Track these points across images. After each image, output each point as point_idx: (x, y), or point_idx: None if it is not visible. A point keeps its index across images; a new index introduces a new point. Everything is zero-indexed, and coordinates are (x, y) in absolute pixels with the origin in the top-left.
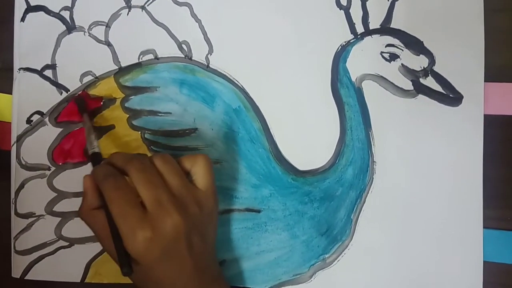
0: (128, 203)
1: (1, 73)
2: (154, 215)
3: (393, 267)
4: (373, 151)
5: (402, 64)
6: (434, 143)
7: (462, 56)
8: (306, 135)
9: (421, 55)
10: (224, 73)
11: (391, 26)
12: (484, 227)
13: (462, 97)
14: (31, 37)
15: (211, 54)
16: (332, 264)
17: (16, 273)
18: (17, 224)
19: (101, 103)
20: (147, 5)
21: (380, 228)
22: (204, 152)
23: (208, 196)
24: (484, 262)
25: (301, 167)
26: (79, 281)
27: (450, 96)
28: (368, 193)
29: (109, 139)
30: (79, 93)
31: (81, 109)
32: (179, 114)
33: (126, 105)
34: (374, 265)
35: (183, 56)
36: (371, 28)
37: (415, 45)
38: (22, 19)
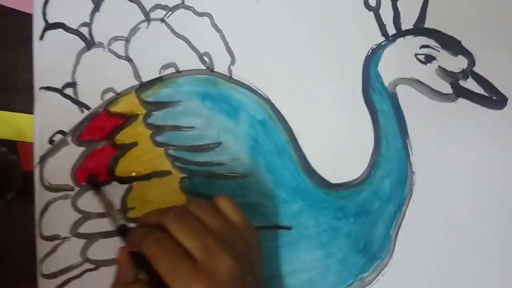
0: (175, 257)
1: (23, 93)
2: (205, 264)
3: (436, 285)
4: (412, 161)
5: (439, 66)
6: (479, 149)
7: (504, 54)
8: (337, 146)
9: (459, 55)
10: (248, 84)
11: (425, 26)
12: None
13: (506, 99)
14: (51, 55)
15: (233, 65)
16: (371, 284)
17: None
18: (42, 247)
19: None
20: (167, 17)
21: (422, 244)
22: (229, 167)
23: (249, 231)
24: None
25: (333, 180)
26: None
27: (493, 99)
28: (407, 206)
29: (132, 157)
30: (91, 175)
31: (96, 188)
32: (203, 128)
33: (148, 121)
34: (416, 284)
35: (204, 68)
36: (403, 29)
37: (452, 45)
38: (41, 38)
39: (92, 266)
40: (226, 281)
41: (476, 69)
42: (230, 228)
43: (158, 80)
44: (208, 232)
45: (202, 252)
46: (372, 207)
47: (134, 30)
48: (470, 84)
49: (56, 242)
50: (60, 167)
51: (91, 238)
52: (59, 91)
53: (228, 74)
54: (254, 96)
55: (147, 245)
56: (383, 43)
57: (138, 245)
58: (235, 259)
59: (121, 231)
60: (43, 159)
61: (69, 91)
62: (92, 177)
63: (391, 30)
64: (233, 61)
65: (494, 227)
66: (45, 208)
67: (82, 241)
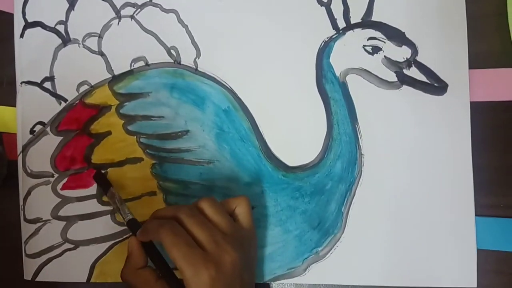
0: (189, 245)
1: (6, 87)
2: (215, 254)
3: (385, 258)
4: (361, 144)
5: (385, 56)
6: (422, 133)
7: (445, 44)
8: (294, 132)
9: (403, 46)
10: (213, 76)
11: (372, 19)
12: (476, 215)
13: (447, 85)
14: (31, 52)
15: (199, 58)
16: (325, 257)
17: (27, 275)
18: (26, 229)
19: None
20: (136, 14)
21: (371, 220)
22: (196, 153)
23: (252, 234)
24: (478, 250)
25: (290, 163)
26: (85, 281)
27: (435, 85)
28: (357, 185)
29: (106, 145)
30: (94, 170)
31: (105, 185)
32: (171, 117)
33: (121, 111)
34: (367, 256)
35: (172, 61)
36: (352, 22)
37: (397, 36)
38: (21, 35)
39: (71, 246)
40: (229, 272)
41: (419, 58)
42: (236, 227)
43: (129, 73)
44: (216, 228)
45: (212, 244)
46: (326, 187)
47: (106, 26)
48: (413, 72)
49: (39, 224)
50: (41, 155)
51: (70, 220)
52: (39, 85)
53: (194, 67)
54: (218, 87)
55: (164, 233)
56: (334, 36)
57: (155, 233)
58: (238, 254)
59: (131, 225)
60: (25, 148)
61: (47, 84)
62: (100, 174)
63: (342, 24)
64: (198, 55)
65: (437, 202)
66: (28, 193)
67: (62, 223)
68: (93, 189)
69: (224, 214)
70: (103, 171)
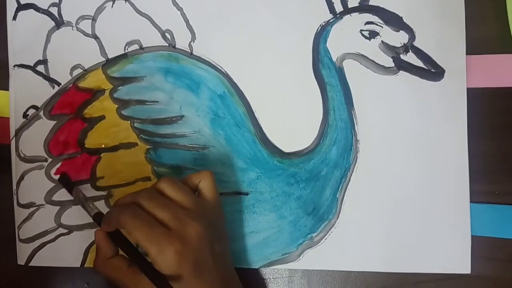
0: (151, 225)
1: None
2: (177, 229)
3: (380, 244)
4: (356, 130)
5: (382, 41)
6: (418, 119)
7: (442, 29)
8: (290, 117)
9: (400, 31)
10: (208, 60)
11: (369, 4)
12: (471, 202)
13: (443, 71)
14: (23, 35)
15: (194, 42)
16: (320, 243)
17: (21, 260)
18: (19, 214)
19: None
20: None
21: (366, 206)
22: (191, 138)
23: (217, 207)
24: (472, 236)
25: (286, 149)
26: (79, 265)
27: (432, 71)
28: (353, 171)
29: (100, 130)
30: (60, 173)
31: (68, 186)
32: (166, 102)
33: (114, 95)
34: (361, 242)
35: (167, 44)
36: (349, 6)
37: (394, 21)
38: (14, 18)
39: (65, 230)
40: (196, 245)
41: (416, 43)
42: (199, 202)
43: (123, 57)
44: (177, 205)
45: (174, 221)
46: (321, 173)
47: (100, 9)
48: (410, 57)
49: (32, 209)
50: (34, 139)
51: (64, 205)
52: (32, 68)
53: (189, 51)
54: (214, 72)
55: (124, 218)
56: (331, 20)
57: (116, 221)
58: (203, 226)
59: (97, 218)
60: (18, 132)
61: (40, 68)
62: (64, 175)
63: (339, 8)
64: (193, 38)
65: (432, 188)
66: (21, 178)
67: (56, 208)
68: (86, 173)
69: (184, 191)
70: (99, 155)
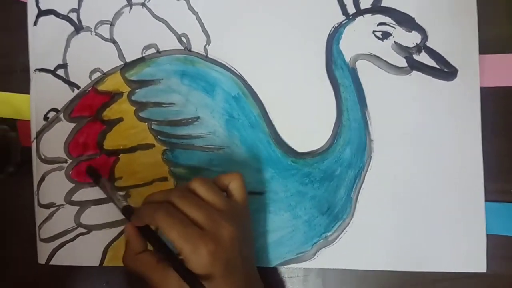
0: (185, 224)
1: (19, 74)
2: (212, 230)
3: (394, 244)
4: (370, 130)
5: (395, 41)
6: (431, 119)
7: (455, 29)
8: (304, 118)
9: (413, 31)
10: (223, 62)
11: (382, 5)
12: (486, 201)
13: (457, 70)
14: (44, 39)
15: (209, 45)
16: (335, 242)
17: (41, 259)
18: (40, 214)
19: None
20: (147, 2)
21: (380, 206)
22: (207, 139)
23: (246, 209)
24: (487, 235)
25: (300, 149)
26: (98, 264)
27: (445, 71)
28: (367, 171)
29: (118, 131)
30: (87, 165)
31: (97, 178)
32: (182, 104)
33: (132, 98)
34: (376, 241)
35: (183, 48)
36: (362, 8)
37: (407, 22)
38: (35, 24)
39: (84, 230)
40: (228, 246)
41: (429, 43)
42: (230, 204)
43: (141, 60)
44: (211, 205)
45: (208, 221)
46: (335, 173)
47: (118, 14)
48: (423, 57)
49: (52, 209)
50: (54, 141)
51: (83, 205)
52: (52, 72)
53: (204, 54)
54: (228, 74)
55: (160, 216)
56: (344, 22)
57: (150, 218)
58: (235, 228)
59: (126, 212)
60: (39, 134)
61: (60, 72)
62: (91, 168)
63: (351, 9)
64: (208, 42)
65: (447, 188)
66: (42, 179)
67: (76, 208)
68: (105, 174)
69: (216, 191)
70: (117, 156)
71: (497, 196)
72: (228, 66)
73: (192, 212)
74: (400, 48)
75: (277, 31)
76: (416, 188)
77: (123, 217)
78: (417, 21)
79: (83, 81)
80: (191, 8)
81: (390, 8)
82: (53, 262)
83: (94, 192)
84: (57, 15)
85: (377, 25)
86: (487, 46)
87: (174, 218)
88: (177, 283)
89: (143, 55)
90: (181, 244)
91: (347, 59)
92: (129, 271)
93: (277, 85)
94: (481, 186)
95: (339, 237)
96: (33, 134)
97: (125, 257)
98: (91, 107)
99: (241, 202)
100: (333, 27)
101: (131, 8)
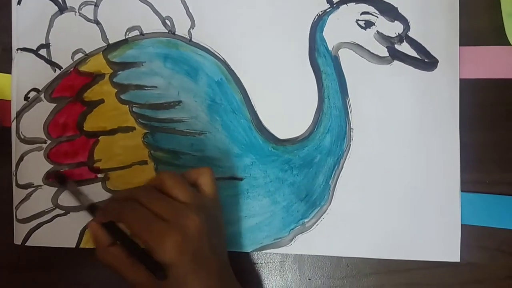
0: (151, 219)
1: (2, 54)
2: (177, 222)
3: (370, 231)
4: (350, 118)
5: (377, 31)
6: (411, 108)
7: (436, 21)
8: (285, 105)
9: (395, 21)
10: (206, 47)
11: None
12: (461, 191)
13: (437, 61)
14: (27, 19)
15: (193, 29)
16: (311, 228)
17: (17, 240)
18: (17, 194)
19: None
20: None
21: (358, 193)
22: (188, 124)
23: (215, 202)
24: (462, 225)
25: (281, 136)
26: (74, 246)
27: (425, 61)
28: (345, 159)
29: (99, 113)
30: (55, 172)
31: (63, 182)
32: (164, 87)
33: (114, 80)
34: (352, 229)
35: (167, 31)
36: None
37: (389, 11)
38: (19, 2)
39: (62, 211)
40: (195, 237)
41: (410, 34)
42: (198, 196)
43: (124, 42)
44: (177, 199)
45: (172, 214)
46: (314, 160)
47: None
48: (404, 47)
49: (30, 189)
50: (34, 121)
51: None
52: (34, 52)
53: (188, 37)
54: (212, 58)
55: (125, 213)
56: (328, 10)
57: (115, 214)
58: (202, 219)
59: (92, 209)
60: (19, 114)
61: (43, 52)
62: (58, 174)
63: None
64: (193, 25)
65: (423, 177)
66: (21, 159)
67: (53, 189)
68: (84, 156)
69: (182, 184)
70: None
71: (473, 186)
72: (212, 51)
73: (156, 207)
74: (382, 37)
75: (262, 17)
76: (393, 177)
77: (101, 199)
78: (400, 11)
79: (65, 62)
80: None
81: None
82: (29, 243)
83: (72, 174)
84: None
85: (361, 14)
86: (467, 38)
87: (140, 214)
88: (146, 276)
89: (127, 37)
90: (146, 238)
91: (330, 47)
92: (103, 265)
93: (260, 71)
94: (458, 176)
95: (316, 224)
96: (13, 114)
97: (97, 252)
98: (72, 88)
99: (210, 195)
100: (317, 14)
101: None
